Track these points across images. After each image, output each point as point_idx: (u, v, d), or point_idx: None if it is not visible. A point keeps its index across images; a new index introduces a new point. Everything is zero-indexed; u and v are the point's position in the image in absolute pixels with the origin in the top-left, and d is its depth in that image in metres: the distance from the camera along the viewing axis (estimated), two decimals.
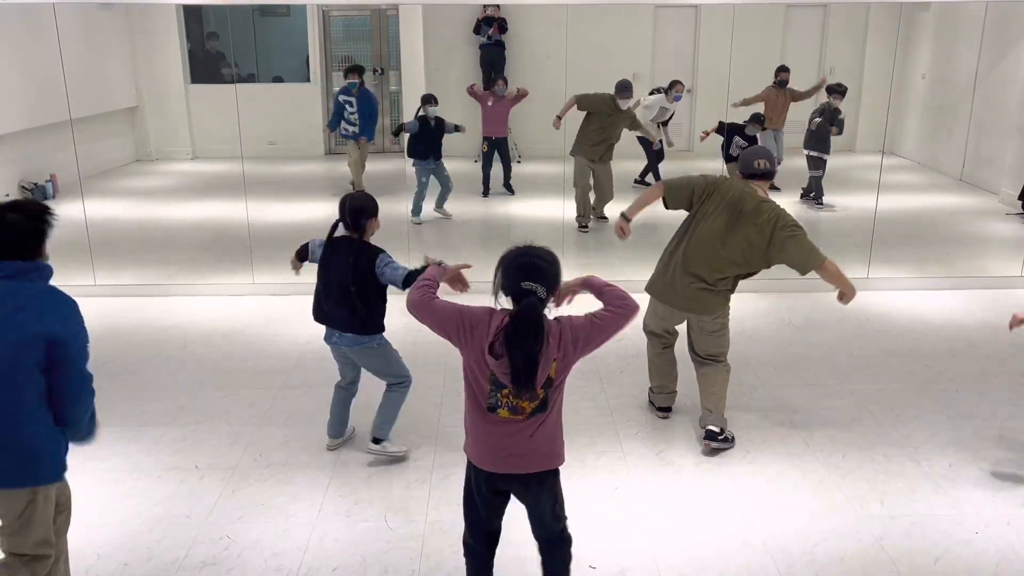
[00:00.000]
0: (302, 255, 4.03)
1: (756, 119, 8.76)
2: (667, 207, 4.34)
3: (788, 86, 9.36)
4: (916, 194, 9.79)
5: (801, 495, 3.82)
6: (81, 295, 7.08)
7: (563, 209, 7.44)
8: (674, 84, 9.15)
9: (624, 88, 8.03)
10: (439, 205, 8.69)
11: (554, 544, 2.90)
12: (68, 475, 4.00)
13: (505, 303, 2.68)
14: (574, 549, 3.42)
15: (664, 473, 4.01)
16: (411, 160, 8.51)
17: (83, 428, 2.73)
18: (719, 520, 3.63)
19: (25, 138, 9.07)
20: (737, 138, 8.70)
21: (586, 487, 3.88)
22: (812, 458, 4.14)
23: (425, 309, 2.80)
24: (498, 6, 10.81)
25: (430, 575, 3.28)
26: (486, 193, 9.44)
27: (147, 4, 11.11)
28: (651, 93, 9.51)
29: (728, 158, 8.67)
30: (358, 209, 3.86)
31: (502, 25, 11.01)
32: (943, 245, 7.88)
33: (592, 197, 8.32)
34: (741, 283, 6.65)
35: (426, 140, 8.41)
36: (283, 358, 5.34)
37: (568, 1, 6.73)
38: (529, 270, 2.62)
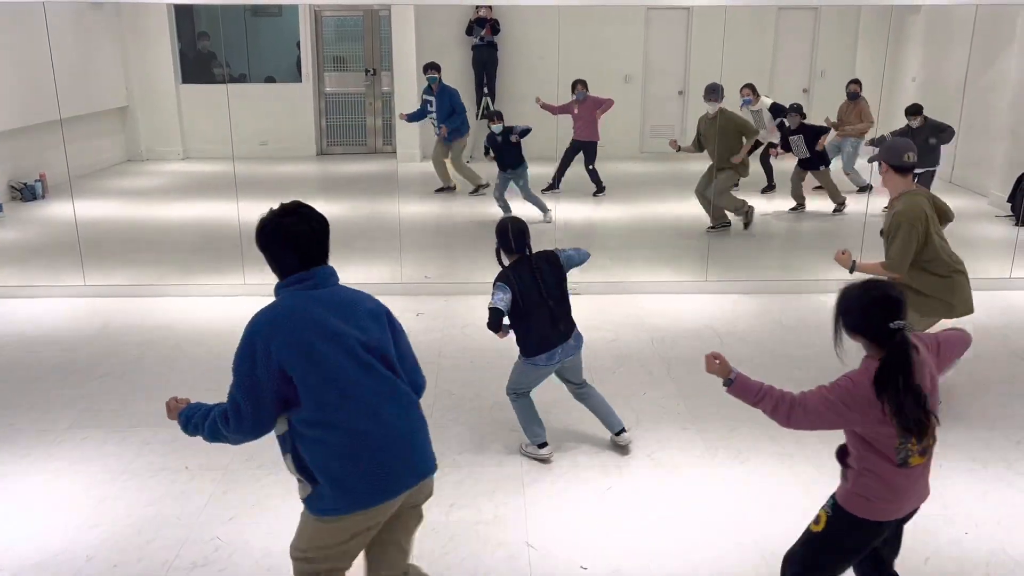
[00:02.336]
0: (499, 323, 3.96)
1: (795, 109, 8.79)
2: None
3: (860, 98, 9.35)
4: None
5: (792, 495, 3.83)
6: (71, 295, 7.12)
7: (555, 211, 7.46)
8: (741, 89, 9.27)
9: (709, 91, 7.93)
10: (543, 211, 8.51)
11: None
12: (58, 474, 4.00)
13: (850, 342, 2.52)
14: (566, 549, 3.43)
15: (656, 474, 4.01)
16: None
17: None
18: (711, 520, 3.64)
19: (14, 137, 9.02)
20: (792, 137, 8.84)
21: (578, 487, 3.89)
22: (803, 458, 4.15)
23: (809, 418, 2.52)
24: (490, 7, 10.81)
25: None
26: (554, 186, 9.36)
27: (138, 3, 11.06)
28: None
29: (785, 146, 8.93)
30: (522, 231, 3.96)
31: (494, 26, 11.01)
32: None
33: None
34: (733, 285, 6.72)
35: (497, 153, 8.40)
36: None
37: (560, 3, 6.74)
38: (892, 307, 2.42)
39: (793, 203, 9.00)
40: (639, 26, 10.96)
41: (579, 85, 9.16)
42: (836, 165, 9.32)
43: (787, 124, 8.81)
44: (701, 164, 8.42)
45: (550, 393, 4.35)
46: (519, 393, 4.14)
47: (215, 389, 4.87)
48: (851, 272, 4.56)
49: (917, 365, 2.43)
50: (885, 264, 4.43)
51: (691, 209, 8.39)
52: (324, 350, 2.42)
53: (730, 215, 8.19)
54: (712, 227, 8.06)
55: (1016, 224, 8.14)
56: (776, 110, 9.29)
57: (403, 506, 2.62)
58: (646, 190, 9.62)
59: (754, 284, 6.74)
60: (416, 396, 2.66)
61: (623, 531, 3.56)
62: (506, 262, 3.99)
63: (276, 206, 2.60)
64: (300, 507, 3.69)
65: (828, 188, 8.93)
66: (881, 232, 4.55)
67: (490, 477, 3.97)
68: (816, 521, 2.67)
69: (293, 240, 2.52)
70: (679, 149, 8.25)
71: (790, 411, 2.54)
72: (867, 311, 2.47)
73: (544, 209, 8.37)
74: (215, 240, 7.79)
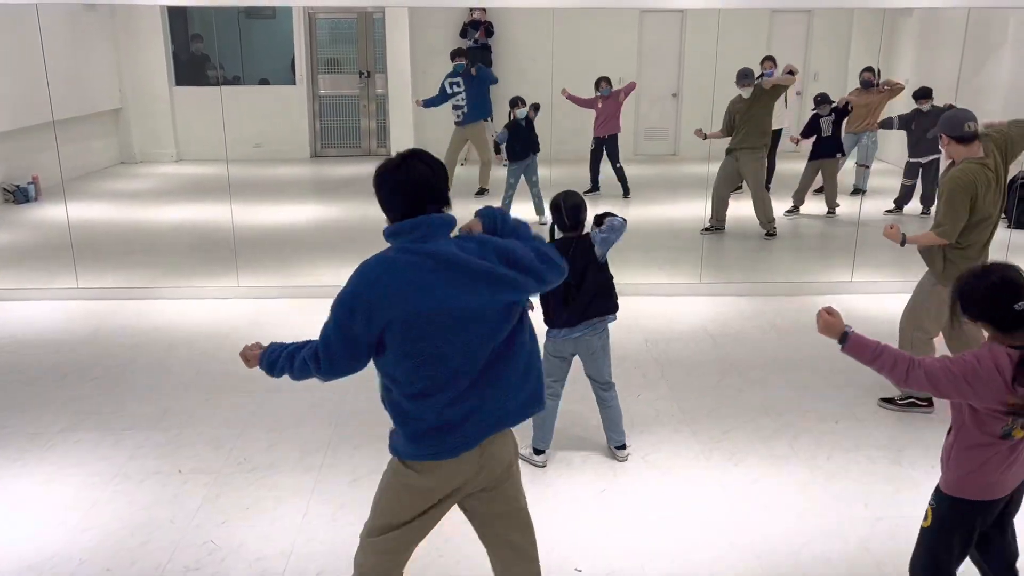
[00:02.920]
0: None
1: (824, 99, 8.81)
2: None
3: (875, 85, 9.27)
4: None
5: (787, 497, 3.84)
6: (63, 298, 7.10)
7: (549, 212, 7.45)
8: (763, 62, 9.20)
9: (741, 76, 8.01)
10: (539, 212, 8.54)
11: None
12: (51, 477, 3.98)
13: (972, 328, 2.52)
14: (560, 550, 3.43)
15: (650, 475, 4.01)
16: (505, 165, 8.57)
17: None
18: (706, 522, 3.64)
19: (7, 139, 8.99)
20: (824, 118, 8.80)
21: (573, 489, 3.88)
22: (797, 460, 4.16)
23: (929, 381, 2.50)
24: (484, 10, 10.82)
25: None
26: (594, 189, 9.39)
27: (131, 5, 11.04)
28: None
29: (808, 133, 8.87)
30: (577, 206, 3.91)
31: (488, 29, 11.01)
32: None
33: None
34: (727, 287, 6.63)
35: (521, 140, 8.44)
36: None
37: (554, 5, 6.74)
38: (1013, 290, 2.41)
39: (790, 205, 9.00)
40: (633, 29, 10.97)
41: (603, 82, 9.23)
42: (849, 163, 9.34)
43: (819, 114, 8.81)
44: (697, 166, 8.42)
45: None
46: (551, 392, 4.08)
47: (208, 391, 4.87)
48: (902, 246, 4.54)
49: None
50: (935, 230, 4.39)
51: (685, 211, 8.41)
52: (425, 318, 2.32)
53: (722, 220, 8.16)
54: (707, 229, 8.08)
55: (1008, 226, 8.17)
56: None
57: (473, 494, 2.60)
58: (640, 192, 9.62)
59: (748, 286, 6.76)
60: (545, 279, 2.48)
61: (618, 533, 3.56)
62: (557, 237, 3.96)
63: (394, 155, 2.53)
64: (292, 511, 3.70)
65: (831, 187, 8.90)
66: None
67: None
68: (924, 518, 2.67)
69: (405, 184, 2.42)
70: (705, 137, 8.27)
71: (909, 371, 2.52)
72: (986, 297, 2.46)
73: (542, 212, 8.38)
74: (208, 242, 7.78)
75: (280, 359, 2.57)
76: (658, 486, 3.92)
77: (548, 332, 4.01)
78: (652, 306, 6.32)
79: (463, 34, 11.11)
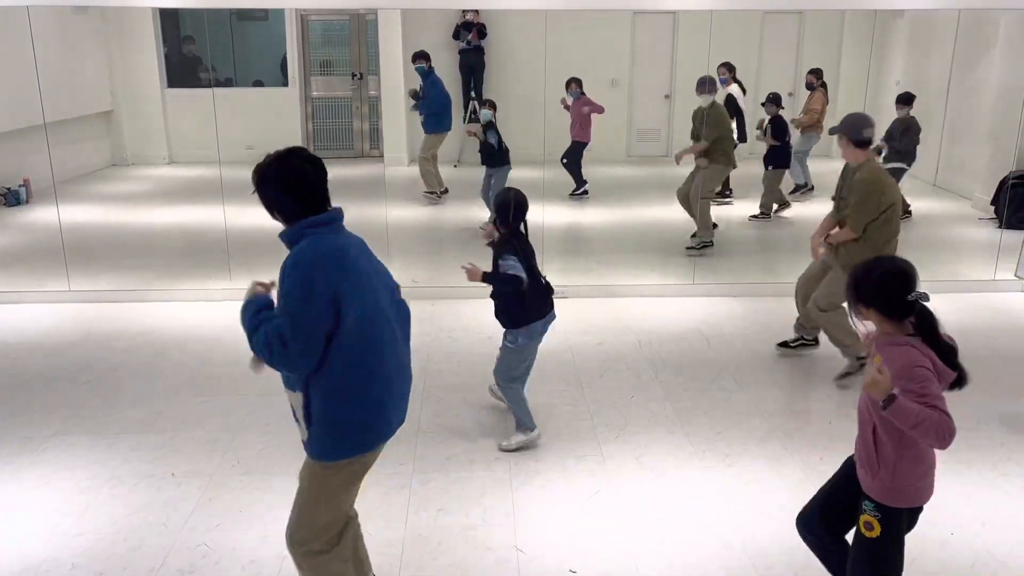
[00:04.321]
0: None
1: (772, 100, 8.88)
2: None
3: (815, 89, 9.42)
4: None
5: (779, 497, 3.85)
6: (55, 301, 7.07)
7: (542, 214, 7.43)
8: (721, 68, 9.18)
9: (698, 84, 7.98)
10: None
11: None
12: (43, 482, 3.97)
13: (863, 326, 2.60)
14: (554, 553, 3.44)
15: (644, 477, 4.02)
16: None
17: None
18: (699, 523, 3.65)
19: None
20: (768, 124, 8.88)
21: (566, 491, 3.89)
22: (790, 460, 4.17)
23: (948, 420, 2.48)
24: (477, 11, 10.83)
25: None
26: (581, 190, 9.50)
27: (123, 7, 11.00)
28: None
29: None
30: (522, 206, 4.04)
31: (481, 31, 11.01)
32: (917, 249, 7.93)
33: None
34: (719, 288, 6.68)
35: (480, 146, 8.43)
36: None
37: (547, 7, 6.75)
38: (906, 279, 2.52)
39: (776, 205, 9.04)
40: (626, 30, 10.99)
41: (572, 84, 9.28)
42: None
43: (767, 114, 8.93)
44: (689, 168, 8.44)
45: (534, 398, 4.37)
46: (514, 377, 4.20)
47: (201, 394, 4.86)
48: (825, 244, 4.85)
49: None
50: (848, 224, 4.69)
51: (677, 213, 8.41)
52: (370, 286, 2.52)
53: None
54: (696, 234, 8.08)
55: (999, 226, 8.22)
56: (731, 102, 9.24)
57: None
58: (632, 194, 9.66)
59: (740, 287, 6.78)
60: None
61: (611, 534, 3.56)
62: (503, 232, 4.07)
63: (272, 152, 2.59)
64: (286, 514, 3.68)
65: (772, 190, 8.95)
66: (838, 196, 4.78)
67: (478, 481, 3.96)
68: (869, 528, 2.66)
69: (297, 180, 2.51)
70: (679, 162, 8.17)
71: (948, 433, 2.45)
72: (879, 284, 2.53)
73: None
74: (201, 245, 7.76)
75: (255, 318, 2.54)
76: (652, 487, 3.93)
77: (522, 330, 4.10)
78: (645, 307, 6.34)
79: (456, 36, 11.11)
